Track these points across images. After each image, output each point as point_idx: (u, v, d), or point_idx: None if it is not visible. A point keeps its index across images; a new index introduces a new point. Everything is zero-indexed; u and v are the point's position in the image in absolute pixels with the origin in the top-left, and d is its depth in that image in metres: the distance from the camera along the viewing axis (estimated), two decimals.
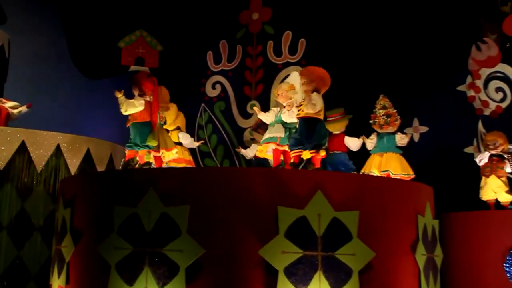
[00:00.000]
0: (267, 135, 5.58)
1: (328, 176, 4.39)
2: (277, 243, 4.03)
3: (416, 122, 7.92)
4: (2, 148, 6.37)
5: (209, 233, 4.07)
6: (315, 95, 4.99)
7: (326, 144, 5.16)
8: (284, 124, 5.50)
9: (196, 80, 9.16)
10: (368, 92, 7.05)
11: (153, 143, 5.26)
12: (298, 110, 5.10)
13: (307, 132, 4.98)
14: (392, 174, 6.05)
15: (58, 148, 6.66)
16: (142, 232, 4.17)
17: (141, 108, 5.34)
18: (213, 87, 9.15)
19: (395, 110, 6.26)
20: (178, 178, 4.24)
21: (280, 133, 5.47)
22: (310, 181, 4.18)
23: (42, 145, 6.55)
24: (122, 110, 5.37)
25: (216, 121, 8.94)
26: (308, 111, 5.00)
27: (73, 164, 6.75)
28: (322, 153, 5.00)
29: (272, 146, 5.47)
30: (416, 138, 7.86)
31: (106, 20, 9.41)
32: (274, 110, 5.66)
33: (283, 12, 8.81)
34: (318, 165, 5.05)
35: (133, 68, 9.31)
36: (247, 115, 8.68)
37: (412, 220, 4.62)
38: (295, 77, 5.70)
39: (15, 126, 6.67)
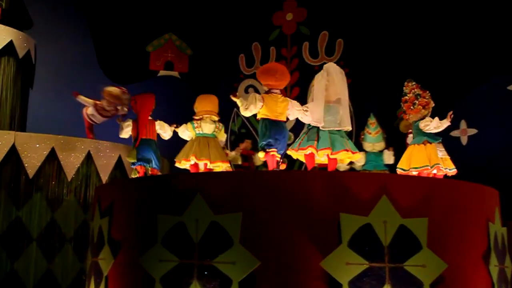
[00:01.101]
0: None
1: (393, 179, 3.98)
2: (340, 254, 3.64)
3: (463, 124, 7.49)
4: (29, 155, 6.07)
5: (264, 243, 3.68)
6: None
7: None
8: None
9: (227, 84, 8.81)
10: None
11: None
12: None
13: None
14: None
15: (88, 155, 6.35)
16: (189, 242, 3.80)
17: None
18: (246, 91, 8.75)
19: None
20: (229, 183, 3.86)
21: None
22: (374, 185, 3.78)
23: (72, 152, 6.25)
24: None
25: (249, 126, 8.61)
26: None
27: (105, 171, 6.44)
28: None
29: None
30: (464, 141, 7.43)
31: (134, 24, 9.14)
32: None
33: (318, 12, 8.45)
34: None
35: (162, 72, 9.05)
36: None
37: (483, 227, 4.19)
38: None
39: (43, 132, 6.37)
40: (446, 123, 5.35)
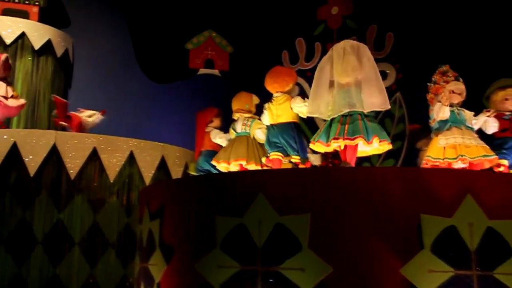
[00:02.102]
0: None
1: (478, 176, 3.58)
2: (422, 260, 3.25)
3: None
4: (71, 155, 5.82)
5: (336, 247, 3.32)
6: None
7: None
8: None
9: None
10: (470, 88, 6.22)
11: None
12: None
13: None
14: None
15: (131, 155, 6.07)
16: (252, 247, 3.46)
17: None
18: None
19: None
20: (296, 181, 3.50)
21: None
22: (457, 183, 3.39)
23: (114, 152, 5.97)
24: None
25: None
26: None
27: (147, 172, 6.15)
28: None
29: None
30: None
31: (172, 21, 8.90)
32: None
33: (366, 4, 8.05)
34: None
35: (202, 71, 8.78)
36: None
37: None
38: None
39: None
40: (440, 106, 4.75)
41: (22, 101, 6.53)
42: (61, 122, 6.66)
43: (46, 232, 5.64)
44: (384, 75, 7.63)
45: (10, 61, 6.51)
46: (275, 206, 3.45)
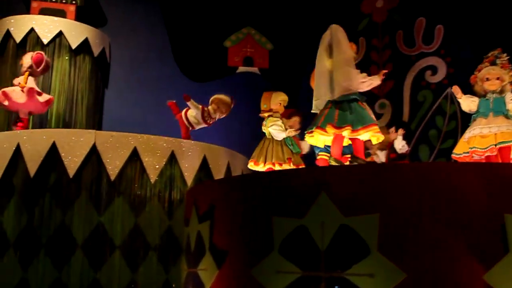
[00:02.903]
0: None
1: None
2: (509, 265, 2.92)
3: None
4: (111, 155, 5.59)
5: (409, 251, 3.01)
6: None
7: None
8: None
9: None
10: None
11: None
12: None
13: None
14: None
15: (172, 155, 5.81)
16: (314, 250, 3.17)
17: None
18: None
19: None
20: (362, 178, 3.20)
21: None
22: None
23: (155, 152, 5.71)
24: None
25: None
26: None
27: (189, 173, 5.88)
28: None
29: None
30: None
31: (210, 19, 8.69)
32: None
33: None
34: None
35: (241, 69, 8.55)
36: (376, 116, 7.57)
37: None
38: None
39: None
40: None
41: (48, 96, 6.35)
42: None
43: (86, 236, 5.40)
44: (434, 70, 7.29)
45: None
46: (339, 205, 3.16)
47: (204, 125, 6.38)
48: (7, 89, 6.10)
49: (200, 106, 6.35)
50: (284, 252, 3.25)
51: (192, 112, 6.41)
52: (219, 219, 3.69)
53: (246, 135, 7.34)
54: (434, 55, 7.30)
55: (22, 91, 6.07)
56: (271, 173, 4.06)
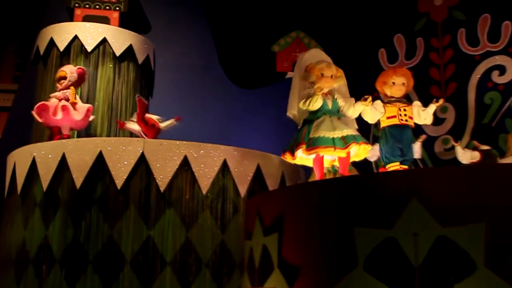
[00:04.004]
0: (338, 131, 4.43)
1: None
2: None
3: None
4: (160, 165, 5.25)
5: None
6: None
7: None
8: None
9: (366, 84, 7.75)
10: None
11: None
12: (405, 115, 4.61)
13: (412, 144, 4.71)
14: None
15: (225, 164, 5.44)
16: (406, 266, 2.74)
17: None
18: None
19: None
20: (460, 182, 2.75)
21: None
22: None
23: (207, 161, 5.36)
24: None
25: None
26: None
27: (243, 183, 5.50)
28: None
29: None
30: None
31: (258, 23, 8.42)
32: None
33: None
34: None
35: (290, 74, 8.18)
36: (437, 121, 7.09)
37: None
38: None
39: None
40: None
41: (85, 107, 6.04)
42: (129, 126, 6.18)
43: (135, 251, 5.07)
44: (501, 70, 6.77)
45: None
46: (434, 214, 2.73)
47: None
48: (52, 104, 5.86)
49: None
50: (370, 269, 2.84)
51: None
52: (289, 231, 3.28)
53: None
54: (501, 54, 6.80)
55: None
56: (352, 178, 3.63)
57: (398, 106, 4.67)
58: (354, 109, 4.58)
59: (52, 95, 6.02)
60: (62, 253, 5.05)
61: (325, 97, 4.56)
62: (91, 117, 6.10)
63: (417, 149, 5.67)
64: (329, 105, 4.56)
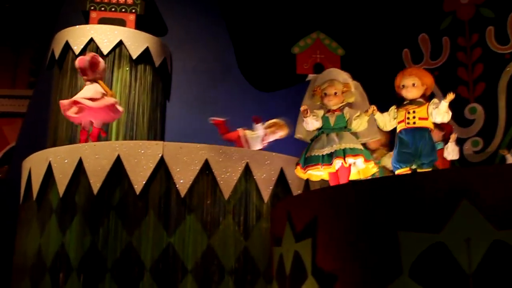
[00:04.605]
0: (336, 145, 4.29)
1: None
2: None
3: None
4: (180, 169, 5.05)
5: None
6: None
7: None
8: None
9: (389, 86, 7.52)
10: None
11: None
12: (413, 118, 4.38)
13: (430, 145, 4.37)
14: None
15: (247, 168, 5.23)
16: (458, 274, 2.50)
17: None
18: None
19: None
20: None
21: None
22: None
23: (228, 164, 5.15)
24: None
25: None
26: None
27: (266, 188, 5.28)
28: None
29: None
30: None
31: (277, 24, 8.23)
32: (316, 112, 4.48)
33: None
34: None
35: (311, 77, 7.98)
36: (466, 123, 6.85)
37: None
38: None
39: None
40: None
41: (108, 100, 5.72)
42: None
43: (155, 259, 4.86)
44: None
45: (99, 60, 5.79)
46: (488, 216, 2.49)
47: (258, 147, 6.44)
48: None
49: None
50: (416, 277, 2.60)
51: (253, 134, 6.44)
52: (324, 236, 3.06)
53: None
54: None
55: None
56: (395, 177, 3.39)
57: (408, 109, 4.49)
58: (357, 122, 4.44)
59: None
60: (79, 261, 4.85)
61: (329, 114, 4.43)
62: (120, 108, 5.79)
63: (450, 150, 5.48)
64: (331, 121, 4.42)
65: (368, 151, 4.46)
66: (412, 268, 2.61)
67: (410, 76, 4.46)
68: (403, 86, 4.45)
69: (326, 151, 4.24)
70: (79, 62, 5.62)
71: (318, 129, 4.44)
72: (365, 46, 7.98)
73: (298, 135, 4.68)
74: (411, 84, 4.44)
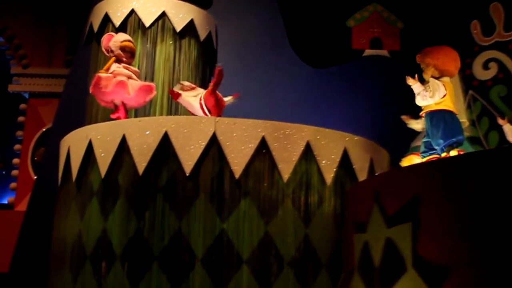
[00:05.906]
0: None
1: None
2: None
3: None
4: (234, 147, 4.54)
5: None
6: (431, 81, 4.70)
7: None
8: None
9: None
10: None
11: None
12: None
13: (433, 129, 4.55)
14: None
15: (308, 147, 4.69)
16: None
17: None
18: (486, 67, 6.94)
19: None
20: None
21: None
22: None
23: (288, 143, 4.62)
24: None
25: (494, 112, 6.78)
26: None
27: (328, 169, 4.74)
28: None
29: None
30: None
31: None
32: None
33: None
34: None
35: (368, 52, 7.59)
36: None
37: None
38: None
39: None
40: None
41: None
42: (186, 100, 5.49)
43: (207, 247, 4.38)
44: None
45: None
46: None
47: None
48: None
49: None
50: None
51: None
52: (430, 220, 2.50)
53: (382, 126, 6.34)
54: None
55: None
56: None
57: None
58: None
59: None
60: (123, 248, 4.42)
61: None
62: (149, 97, 5.38)
63: (507, 131, 5.29)
64: None
65: None
66: None
67: (420, 58, 4.79)
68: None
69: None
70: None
71: None
72: (427, 18, 7.55)
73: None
74: (423, 67, 4.74)
